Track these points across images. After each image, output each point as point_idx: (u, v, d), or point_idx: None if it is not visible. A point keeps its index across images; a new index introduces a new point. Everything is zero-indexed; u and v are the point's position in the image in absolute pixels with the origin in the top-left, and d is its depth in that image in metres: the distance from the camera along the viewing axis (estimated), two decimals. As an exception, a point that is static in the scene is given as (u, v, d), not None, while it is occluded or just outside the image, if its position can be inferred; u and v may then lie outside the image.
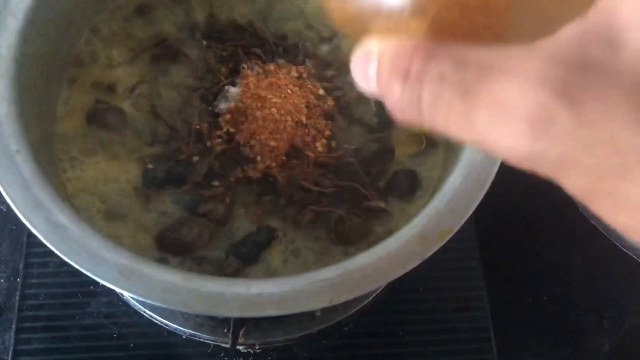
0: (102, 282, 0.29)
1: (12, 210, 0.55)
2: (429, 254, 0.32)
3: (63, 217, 0.31)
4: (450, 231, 0.33)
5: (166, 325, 0.46)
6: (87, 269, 0.29)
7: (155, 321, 0.47)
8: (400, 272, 0.31)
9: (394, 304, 0.50)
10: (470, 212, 0.33)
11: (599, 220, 0.46)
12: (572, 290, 0.58)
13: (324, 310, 0.47)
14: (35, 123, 0.37)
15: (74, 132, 0.41)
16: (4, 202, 0.57)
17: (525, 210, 0.58)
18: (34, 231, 0.30)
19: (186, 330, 0.46)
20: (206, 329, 0.46)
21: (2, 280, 0.53)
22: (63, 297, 0.48)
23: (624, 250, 0.55)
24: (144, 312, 0.47)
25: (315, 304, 0.30)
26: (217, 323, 0.46)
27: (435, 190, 0.39)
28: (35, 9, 0.37)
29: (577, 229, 0.55)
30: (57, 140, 0.40)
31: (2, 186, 0.31)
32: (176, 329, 0.46)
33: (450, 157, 0.40)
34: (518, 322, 0.55)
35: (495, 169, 0.34)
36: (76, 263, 0.29)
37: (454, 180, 0.34)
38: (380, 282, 0.31)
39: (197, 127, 0.41)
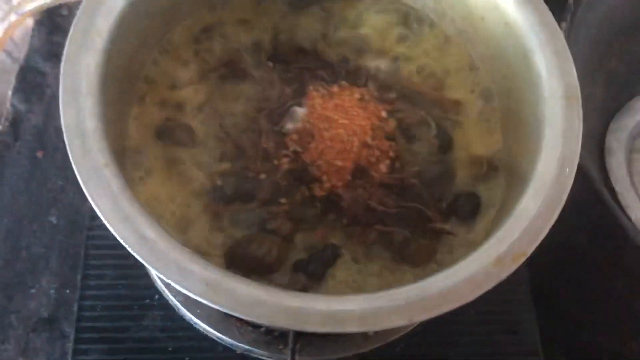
0: (190, 294, 0.30)
1: (61, 224, 0.58)
2: (504, 276, 0.33)
3: (150, 230, 0.32)
4: (524, 254, 0.33)
5: (221, 340, 0.47)
6: (176, 281, 0.30)
7: (211, 336, 0.47)
8: (477, 293, 0.32)
9: (445, 326, 0.50)
10: (543, 235, 0.34)
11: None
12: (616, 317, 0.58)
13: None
14: (115, 138, 0.38)
15: (144, 148, 0.42)
16: (54, 214, 0.59)
17: (574, 238, 0.58)
18: (124, 243, 0.31)
19: (241, 345, 0.47)
20: (261, 345, 0.46)
21: (52, 292, 0.55)
22: (119, 309, 0.49)
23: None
24: (199, 326, 0.47)
25: (395, 322, 0.31)
26: (272, 339, 0.46)
27: (499, 214, 0.40)
28: (117, 28, 0.38)
29: (625, 256, 0.56)
30: (129, 155, 0.41)
31: (92, 199, 0.32)
32: (231, 344, 0.47)
33: (513, 182, 0.41)
34: (566, 348, 0.56)
35: (566, 195, 0.35)
36: (165, 275, 0.30)
37: (526, 204, 0.35)
38: (458, 303, 0.31)
39: (264, 146, 0.42)
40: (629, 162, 0.60)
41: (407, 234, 0.40)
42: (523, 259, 0.33)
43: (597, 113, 0.62)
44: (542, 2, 0.41)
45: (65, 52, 0.36)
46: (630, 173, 0.59)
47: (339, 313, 0.31)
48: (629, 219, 0.55)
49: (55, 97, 0.63)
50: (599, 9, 0.62)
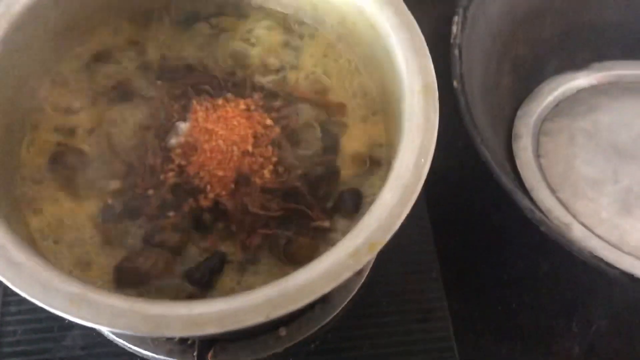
0: (53, 311, 0.32)
1: None
2: (360, 266, 0.34)
3: (20, 255, 0.33)
4: (380, 243, 0.35)
5: (139, 353, 0.48)
6: (39, 300, 0.32)
7: (129, 350, 0.49)
8: (332, 285, 0.34)
9: (358, 319, 0.52)
10: (399, 224, 0.35)
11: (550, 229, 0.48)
12: (539, 295, 0.60)
13: (288, 329, 0.49)
14: (6, 168, 0.39)
15: (37, 175, 0.44)
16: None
17: (489, 220, 0.60)
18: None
19: (159, 356, 0.48)
20: (177, 354, 0.48)
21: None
22: (40, 332, 0.50)
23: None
24: (117, 341, 0.49)
25: (253, 319, 0.32)
26: (186, 347, 0.48)
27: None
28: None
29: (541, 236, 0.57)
30: (20, 183, 0.43)
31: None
32: (149, 356, 0.48)
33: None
34: (487, 330, 0.57)
35: (421, 184, 0.37)
36: (29, 294, 0.32)
37: (384, 195, 0.37)
38: (314, 296, 0.33)
39: (151, 162, 0.43)
40: (537, 145, 0.62)
41: (289, 235, 0.41)
42: (379, 248, 0.35)
43: (506, 101, 0.64)
44: (402, 3, 0.43)
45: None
46: (538, 156, 0.61)
47: (199, 317, 0.32)
48: (532, 200, 0.57)
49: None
50: (498, 3, 0.64)
